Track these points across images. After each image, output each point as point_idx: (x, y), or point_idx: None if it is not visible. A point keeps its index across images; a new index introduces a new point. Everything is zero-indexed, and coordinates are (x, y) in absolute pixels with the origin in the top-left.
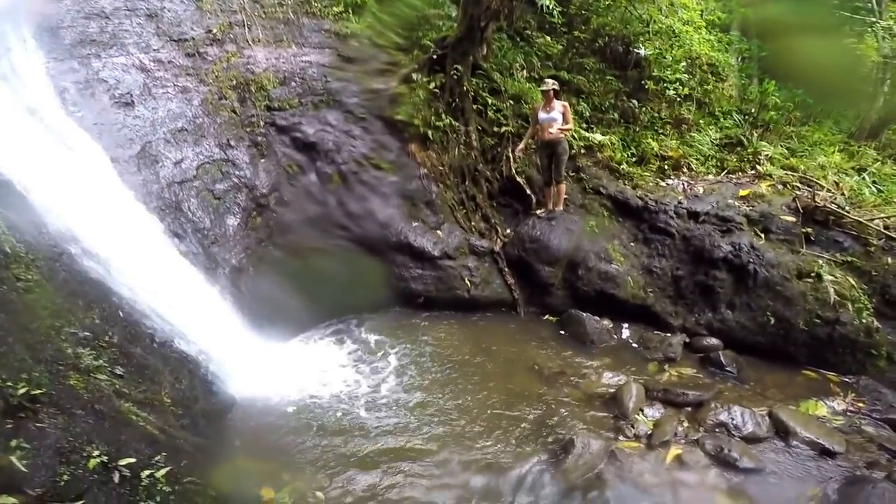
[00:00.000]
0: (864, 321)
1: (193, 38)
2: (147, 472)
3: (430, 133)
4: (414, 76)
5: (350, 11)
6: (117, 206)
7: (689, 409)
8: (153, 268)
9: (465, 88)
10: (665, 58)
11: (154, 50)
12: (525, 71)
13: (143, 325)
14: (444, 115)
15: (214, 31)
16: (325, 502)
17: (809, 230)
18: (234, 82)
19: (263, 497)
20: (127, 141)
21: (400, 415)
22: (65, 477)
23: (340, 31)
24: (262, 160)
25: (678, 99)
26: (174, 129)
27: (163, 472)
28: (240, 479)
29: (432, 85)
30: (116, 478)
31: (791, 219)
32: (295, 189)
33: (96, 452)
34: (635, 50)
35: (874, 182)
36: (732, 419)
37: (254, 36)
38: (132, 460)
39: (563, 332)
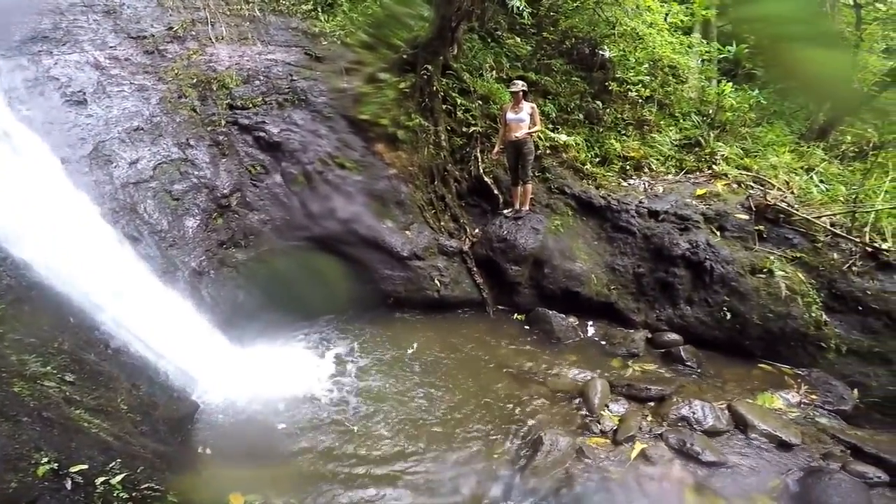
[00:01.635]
0: (813, 315)
1: (153, 36)
2: (101, 479)
3: (399, 133)
4: (381, 76)
5: (320, 10)
6: (68, 208)
7: (653, 403)
8: (107, 272)
9: (434, 88)
10: (629, 60)
11: (110, 47)
12: (494, 71)
13: (96, 331)
14: (414, 116)
15: (176, 28)
16: None
17: (762, 227)
18: (195, 80)
19: None
20: (78, 140)
21: (371, 417)
22: (13, 484)
23: (309, 30)
24: (224, 160)
25: (640, 100)
26: (130, 128)
27: (118, 478)
28: (204, 485)
29: (402, 85)
30: (69, 485)
31: (745, 217)
32: (258, 190)
33: (45, 459)
34: (600, 52)
35: (822, 181)
36: (694, 413)
37: (217, 33)
38: (84, 467)
39: (530, 330)
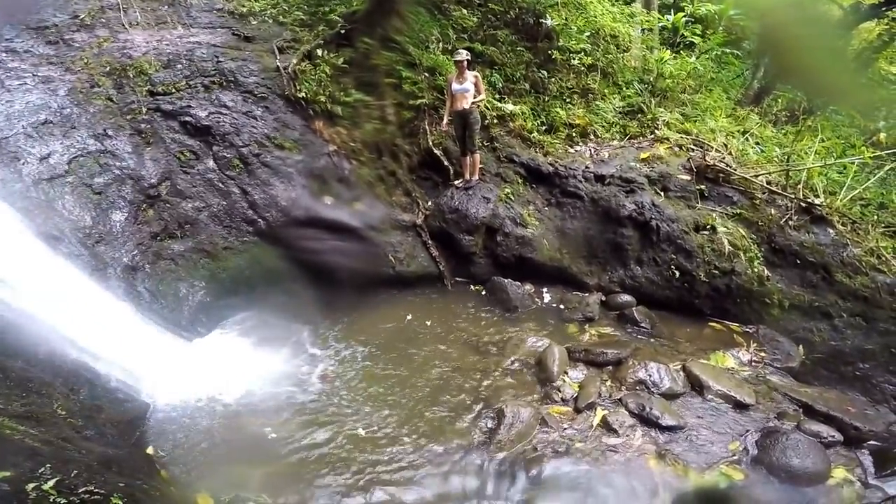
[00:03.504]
0: (755, 270)
1: (56, 25)
2: (32, 485)
3: (338, 109)
4: (319, 52)
5: None
6: None
7: (610, 368)
8: (31, 276)
9: (375, 62)
10: (571, 28)
11: (7, 39)
12: (441, 43)
13: (23, 338)
14: (351, 91)
15: (82, 16)
16: None
17: (703, 187)
18: (108, 68)
19: (200, 502)
20: None
21: (332, 403)
22: None
23: (236, 10)
24: (148, 148)
25: (584, 69)
26: (36, 122)
27: (50, 484)
28: (158, 487)
29: (340, 60)
30: None
31: (686, 177)
32: (190, 177)
33: None
34: (543, 21)
35: (757, 143)
36: (650, 376)
37: (131, 19)
38: (8, 473)
39: (488, 300)
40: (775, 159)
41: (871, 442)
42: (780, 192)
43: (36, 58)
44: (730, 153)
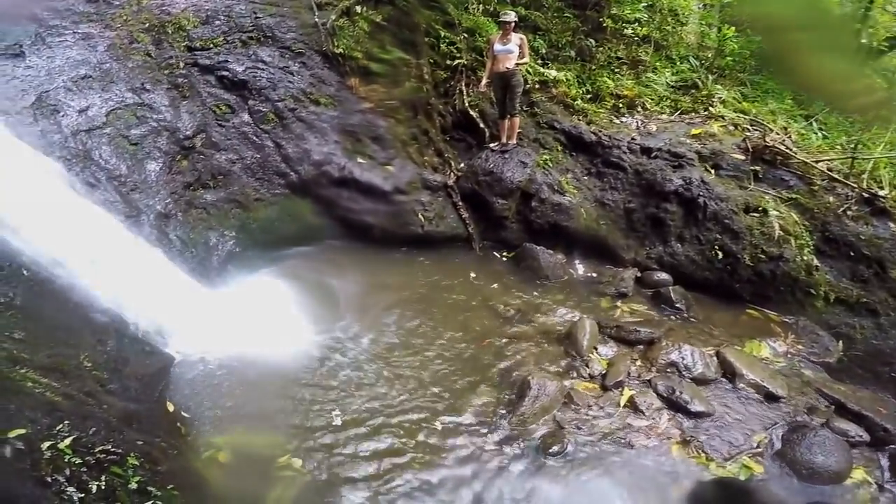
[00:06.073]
0: (805, 258)
1: None
2: (48, 444)
3: (374, 66)
4: (357, 8)
5: None
6: (11, 159)
7: (641, 347)
8: (65, 222)
9: (415, 20)
10: None
11: None
12: (482, 5)
13: (54, 285)
14: (390, 48)
15: None
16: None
17: (758, 168)
18: (148, 25)
19: (220, 459)
20: (18, 93)
21: (353, 361)
22: None
23: None
24: (185, 102)
25: (636, 40)
26: (76, 76)
27: (67, 442)
28: (177, 445)
29: (379, 17)
30: (8, 451)
31: (740, 157)
32: (225, 130)
33: None
34: None
35: (820, 129)
36: (683, 359)
37: None
38: (23, 431)
39: (518, 267)
40: (840, 146)
41: (893, 445)
42: (841, 180)
43: (76, 15)
44: (789, 136)
